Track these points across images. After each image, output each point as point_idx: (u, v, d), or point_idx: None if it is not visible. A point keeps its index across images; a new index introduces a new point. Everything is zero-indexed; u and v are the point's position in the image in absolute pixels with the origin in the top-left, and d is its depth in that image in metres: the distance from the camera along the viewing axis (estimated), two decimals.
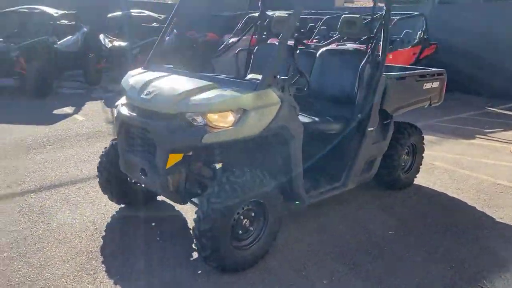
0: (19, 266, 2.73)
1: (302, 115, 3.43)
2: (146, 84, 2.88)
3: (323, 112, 3.54)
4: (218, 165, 2.80)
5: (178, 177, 2.76)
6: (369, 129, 3.42)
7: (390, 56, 8.23)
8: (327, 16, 10.31)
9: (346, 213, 3.62)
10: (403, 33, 9.31)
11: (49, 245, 2.99)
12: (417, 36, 9.04)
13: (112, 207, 3.58)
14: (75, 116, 6.93)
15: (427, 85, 3.99)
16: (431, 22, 9.14)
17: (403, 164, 4.14)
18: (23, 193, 3.87)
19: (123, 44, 9.31)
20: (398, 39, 9.37)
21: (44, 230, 3.21)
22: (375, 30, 3.48)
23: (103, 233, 3.19)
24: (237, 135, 2.56)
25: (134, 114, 2.82)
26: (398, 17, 8.59)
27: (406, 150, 4.15)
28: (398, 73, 3.81)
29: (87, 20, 9.94)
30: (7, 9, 8.78)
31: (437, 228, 3.43)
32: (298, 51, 3.99)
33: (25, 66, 8.01)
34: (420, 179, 4.43)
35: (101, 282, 2.60)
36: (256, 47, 4.32)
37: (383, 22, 3.40)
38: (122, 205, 3.57)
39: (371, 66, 3.36)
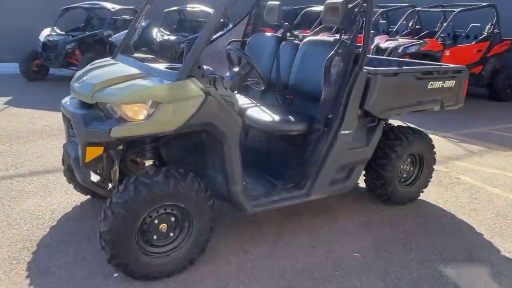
0: None
1: (267, 112, 3.09)
2: (86, 72, 2.76)
3: (297, 110, 3.13)
4: (148, 162, 2.59)
5: (107, 172, 2.61)
6: (342, 132, 2.94)
7: (447, 53, 7.32)
8: (385, 9, 9.50)
9: (315, 225, 3.19)
10: (469, 27, 8.21)
11: None
12: (486, 30, 7.90)
13: (80, 198, 3.55)
14: None
15: (435, 84, 3.36)
16: (506, 14, 7.93)
17: (404, 175, 3.57)
18: (13, 176, 4.00)
19: (172, 38, 9.47)
20: (463, 34, 8.30)
21: (4, 214, 3.26)
22: (352, 18, 2.96)
23: (54, 223, 3.15)
24: (149, 130, 2.31)
25: (68, 103, 2.70)
26: (459, 9, 7.55)
27: (410, 160, 3.56)
28: (387, 68, 3.24)
29: (151, 15, 10.21)
30: (72, 5, 9.37)
31: (417, 256, 2.85)
32: (283, 42, 3.62)
33: (79, 58, 8.57)
34: (433, 194, 3.81)
35: (16, 273, 2.54)
36: (249, 38, 4.01)
37: (362, 10, 2.88)
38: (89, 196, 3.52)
39: (343, 59, 2.87)
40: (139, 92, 2.30)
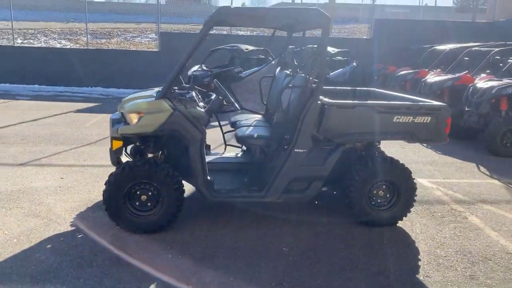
0: None
1: (249, 129, 4.03)
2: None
3: (267, 127, 3.94)
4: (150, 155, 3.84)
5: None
6: (296, 150, 3.65)
7: None
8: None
9: (261, 232, 3.88)
10: None
11: None
12: None
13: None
14: None
15: (403, 119, 3.70)
16: None
17: (378, 200, 3.92)
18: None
19: (197, 73, 10.81)
20: None
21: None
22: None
23: None
24: (136, 131, 3.56)
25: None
26: None
27: (384, 186, 3.91)
28: (342, 101, 3.75)
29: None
30: (217, 47, 11.51)
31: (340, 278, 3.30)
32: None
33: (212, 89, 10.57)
34: (417, 224, 4.00)
35: None
36: (276, 73, 4.96)
37: (318, 51, 3.59)
38: None
39: (301, 91, 3.62)
40: (134, 106, 3.59)
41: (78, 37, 15.66)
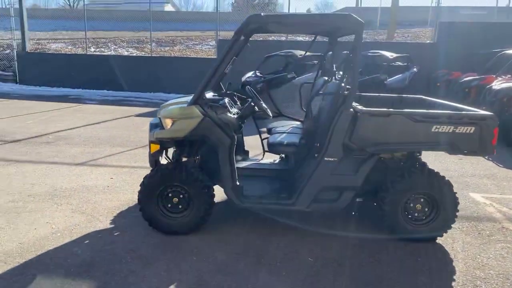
0: None
1: (281, 135, 4.03)
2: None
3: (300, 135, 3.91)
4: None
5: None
6: (326, 159, 3.58)
7: None
8: None
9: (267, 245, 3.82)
10: None
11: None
12: None
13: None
14: None
15: (442, 128, 3.49)
16: None
17: (416, 214, 3.72)
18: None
19: (250, 79, 10.64)
20: None
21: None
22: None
23: None
24: (170, 135, 3.70)
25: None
26: None
27: (422, 200, 3.70)
28: (375, 109, 3.59)
29: None
30: (272, 54, 11.58)
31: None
32: None
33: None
34: (459, 243, 3.74)
35: None
36: (315, 80, 4.89)
37: (350, 56, 3.49)
38: None
39: (332, 98, 3.55)
40: (168, 112, 3.73)
41: (144, 45, 16.57)
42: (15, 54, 15.10)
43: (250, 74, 11.62)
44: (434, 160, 6.36)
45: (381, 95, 5.02)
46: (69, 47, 17.55)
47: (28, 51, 15.34)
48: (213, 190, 3.75)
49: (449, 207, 3.66)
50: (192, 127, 3.60)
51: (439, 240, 3.76)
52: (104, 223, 4.01)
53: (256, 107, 3.81)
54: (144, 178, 3.73)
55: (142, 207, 3.73)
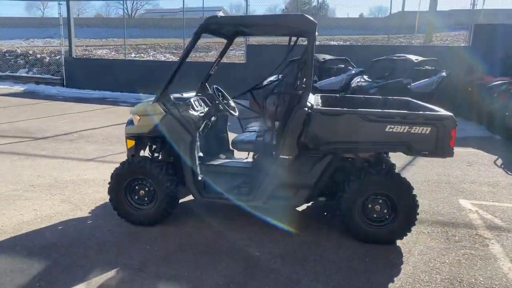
0: None
1: (247, 134, 4.15)
2: None
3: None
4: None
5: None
6: (281, 156, 3.65)
7: None
8: None
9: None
10: None
11: None
12: None
13: None
14: None
15: (397, 128, 3.44)
16: None
17: (374, 215, 3.68)
18: None
19: (363, 83, 10.39)
20: None
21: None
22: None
23: None
24: (136, 131, 3.94)
25: None
26: None
27: (381, 201, 3.66)
28: (328, 108, 3.59)
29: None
30: (381, 57, 11.31)
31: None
32: None
33: None
34: (420, 246, 3.66)
35: None
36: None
37: (303, 60, 3.54)
38: None
39: (286, 97, 3.62)
40: (136, 108, 3.97)
41: (181, 51, 17.22)
42: (63, 59, 16.27)
43: (272, 78, 11.74)
44: (438, 165, 6.18)
45: (365, 96, 4.99)
46: (112, 53, 18.66)
47: (75, 57, 16.46)
48: (177, 185, 3.92)
49: (408, 210, 3.58)
50: (155, 123, 3.82)
51: (400, 242, 3.69)
52: (84, 212, 4.32)
53: (220, 107, 3.96)
54: (113, 172, 3.99)
55: (111, 198, 3.99)
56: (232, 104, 4.06)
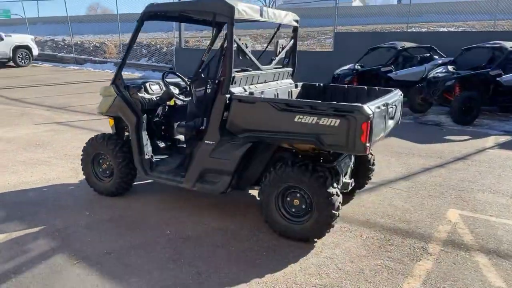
0: None
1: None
2: None
3: None
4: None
5: None
6: (206, 141, 3.71)
7: None
8: None
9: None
10: None
11: None
12: None
13: None
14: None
15: (305, 119, 3.19)
16: None
17: (293, 210, 3.51)
18: None
19: (440, 75, 9.22)
20: None
21: None
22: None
23: None
24: (98, 110, 4.39)
25: None
26: None
27: (299, 195, 3.46)
28: (244, 95, 3.43)
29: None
30: (474, 45, 9.58)
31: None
32: None
33: (455, 94, 8.52)
34: (338, 250, 3.39)
35: None
36: None
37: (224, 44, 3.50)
38: None
39: (209, 83, 3.65)
40: (100, 90, 4.40)
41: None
42: (174, 49, 18.03)
43: (347, 66, 11.22)
44: (474, 169, 5.35)
45: (351, 86, 4.62)
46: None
47: (183, 47, 18.08)
48: (131, 162, 4.26)
49: (322, 208, 3.31)
50: (109, 104, 4.22)
51: (322, 242, 3.45)
52: (76, 180, 4.99)
53: (170, 94, 4.17)
54: (84, 146, 4.53)
55: (82, 168, 4.55)
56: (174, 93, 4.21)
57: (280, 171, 3.43)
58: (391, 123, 3.73)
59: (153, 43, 20.77)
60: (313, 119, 3.17)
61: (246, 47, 3.82)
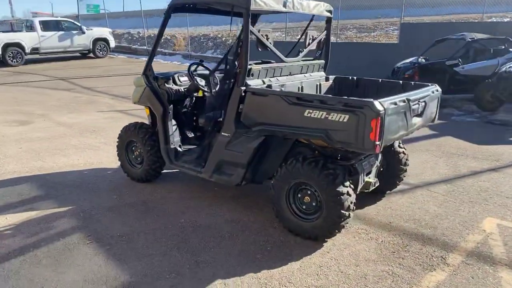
0: None
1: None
2: None
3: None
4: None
5: None
6: (222, 133, 3.72)
7: None
8: None
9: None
10: None
11: None
12: None
13: None
14: None
15: (315, 114, 3.07)
16: None
17: (303, 207, 3.41)
18: None
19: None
20: None
21: None
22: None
23: None
24: (132, 100, 4.57)
25: None
26: None
27: (310, 192, 3.35)
28: (258, 87, 3.34)
29: None
30: (444, 37, 9.80)
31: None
32: None
33: None
34: (345, 254, 3.26)
35: None
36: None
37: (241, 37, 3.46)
38: None
39: (227, 76, 3.64)
40: (134, 79, 4.58)
41: (342, 32, 16.88)
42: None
43: (409, 60, 10.56)
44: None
45: (384, 80, 4.36)
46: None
47: None
48: (159, 151, 4.41)
49: (331, 207, 3.17)
50: (140, 94, 4.39)
51: (333, 242, 3.32)
52: (117, 164, 5.29)
53: (199, 86, 4.23)
54: (119, 133, 4.77)
55: (118, 155, 4.80)
56: (201, 85, 4.23)
57: (290, 167, 3.35)
58: (417, 120, 3.46)
59: (220, 36, 21.20)
60: (322, 114, 3.04)
61: (267, 39, 3.74)
